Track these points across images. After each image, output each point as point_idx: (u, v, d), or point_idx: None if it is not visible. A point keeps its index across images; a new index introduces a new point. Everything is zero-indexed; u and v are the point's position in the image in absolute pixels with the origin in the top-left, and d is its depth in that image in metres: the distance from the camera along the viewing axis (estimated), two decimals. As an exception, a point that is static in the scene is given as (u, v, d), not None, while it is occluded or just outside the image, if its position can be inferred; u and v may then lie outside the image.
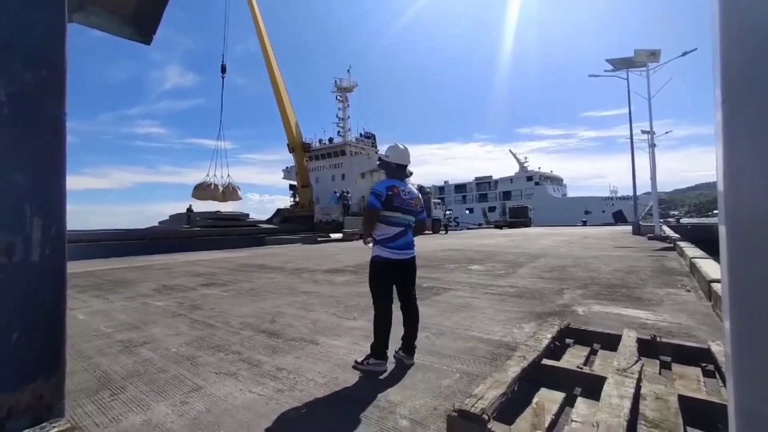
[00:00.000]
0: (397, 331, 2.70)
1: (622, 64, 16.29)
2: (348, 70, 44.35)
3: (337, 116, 44.05)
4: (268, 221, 31.94)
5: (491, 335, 3.25)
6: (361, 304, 4.56)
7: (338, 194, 27.54)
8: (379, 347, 2.55)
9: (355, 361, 2.59)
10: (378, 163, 2.95)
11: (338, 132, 44.09)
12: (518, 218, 36.73)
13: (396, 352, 2.68)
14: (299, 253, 12.32)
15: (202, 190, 26.39)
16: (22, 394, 1.44)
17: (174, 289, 6.03)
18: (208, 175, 26.49)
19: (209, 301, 5.01)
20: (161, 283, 6.66)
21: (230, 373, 2.55)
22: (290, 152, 31.72)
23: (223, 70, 26.58)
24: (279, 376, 2.50)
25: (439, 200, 31.10)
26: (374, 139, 46.25)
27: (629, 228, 20.41)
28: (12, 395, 1.36)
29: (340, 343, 3.14)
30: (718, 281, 4.15)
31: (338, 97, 43.86)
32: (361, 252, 11.91)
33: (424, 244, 14.29)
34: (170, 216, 27.03)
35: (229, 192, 27.58)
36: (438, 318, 3.84)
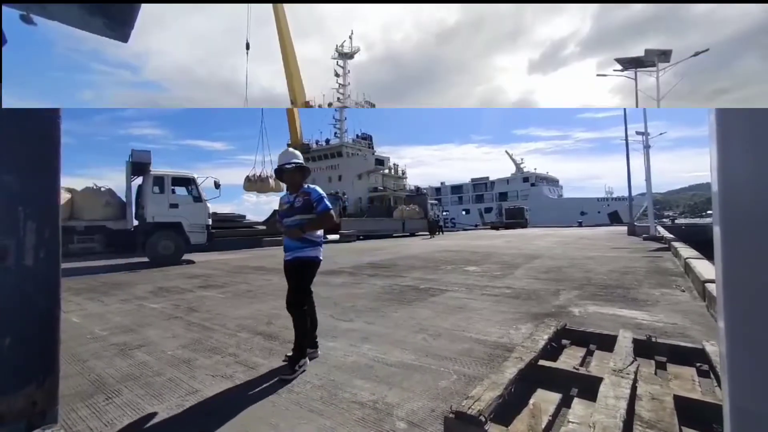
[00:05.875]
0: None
1: (631, 63, 15.96)
2: (350, 36, 40.87)
3: (337, 83, 40.84)
4: (265, 222, 31.87)
5: (488, 336, 3.25)
6: (357, 306, 4.56)
7: (335, 195, 27.66)
8: (303, 348, 2.64)
9: (283, 378, 2.43)
10: (295, 167, 2.83)
11: (335, 133, 43.84)
12: (514, 219, 36.84)
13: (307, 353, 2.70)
14: (296, 255, 12.26)
15: (259, 182, 27.76)
16: (15, 400, 1.42)
17: (170, 291, 5.99)
18: (254, 167, 28.22)
19: (206, 303, 4.98)
20: (157, 285, 6.62)
21: (227, 376, 2.54)
22: None
23: (248, 47, 27.66)
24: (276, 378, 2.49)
25: (436, 201, 31.17)
26: (371, 140, 46.05)
27: (625, 229, 20.52)
28: (4, 400, 1.34)
29: (337, 345, 3.14)
30: (712, 281, 4.18)
31: (338, 63, 40.79)
32: (357, 253, 11.88)
33: (422, 246, 14.30)
34: None
35: (277, 183, 29.37)
36: (435, 319, 3.84)
